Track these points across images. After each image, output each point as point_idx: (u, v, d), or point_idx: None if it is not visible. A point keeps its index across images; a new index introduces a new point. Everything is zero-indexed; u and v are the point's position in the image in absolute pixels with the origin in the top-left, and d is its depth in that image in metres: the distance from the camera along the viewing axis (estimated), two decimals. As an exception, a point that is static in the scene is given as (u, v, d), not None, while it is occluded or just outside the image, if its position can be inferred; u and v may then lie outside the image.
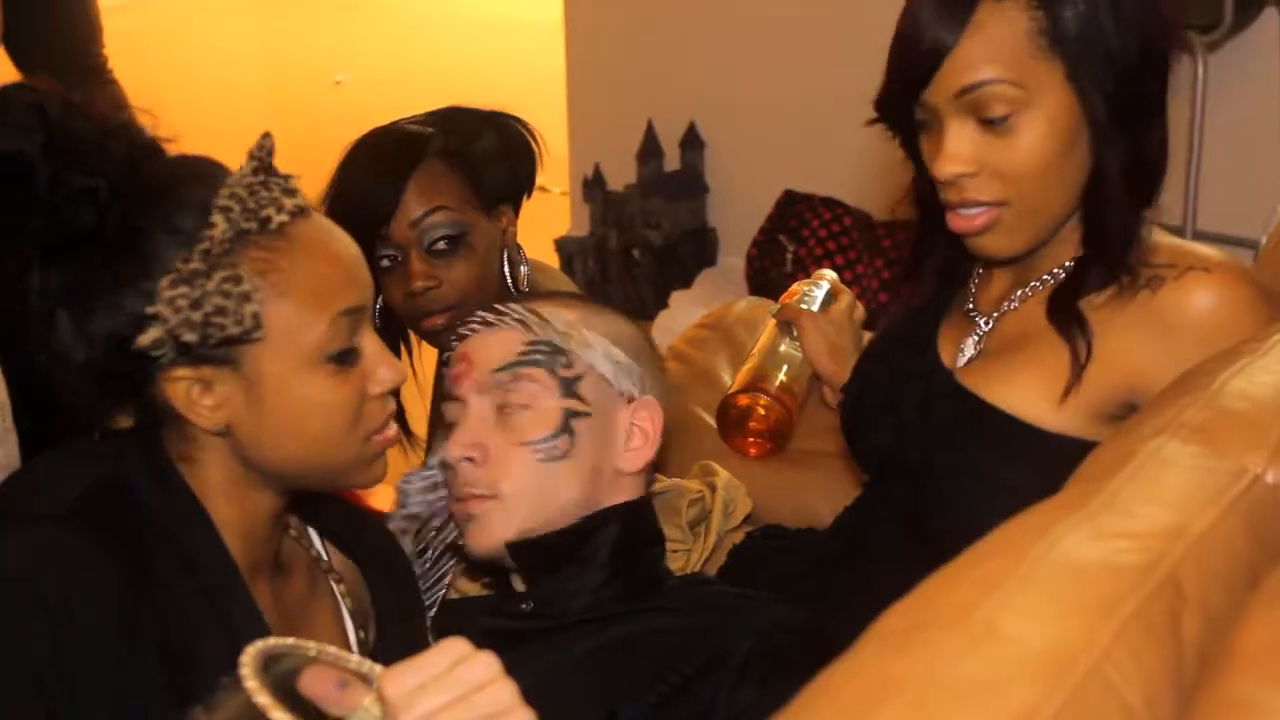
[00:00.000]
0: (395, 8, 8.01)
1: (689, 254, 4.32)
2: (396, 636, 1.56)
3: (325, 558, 1.58)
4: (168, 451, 1.41)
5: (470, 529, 1.54)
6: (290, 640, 1.02)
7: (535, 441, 1.51)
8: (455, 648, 1.04)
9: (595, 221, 4.44)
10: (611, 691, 1.40)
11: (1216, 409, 1.15)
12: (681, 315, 3.69)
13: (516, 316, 1.56)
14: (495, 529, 1.52)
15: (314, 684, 0.99)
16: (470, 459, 1.53)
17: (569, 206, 4.63)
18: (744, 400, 2.19)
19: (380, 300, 2.08)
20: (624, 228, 4.36)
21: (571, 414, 1.51)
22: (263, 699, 0.93)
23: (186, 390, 1.35)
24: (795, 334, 2.16)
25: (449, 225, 2.03)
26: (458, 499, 1.56)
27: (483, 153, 2.09)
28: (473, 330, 1.59)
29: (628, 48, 4.41)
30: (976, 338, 1.74)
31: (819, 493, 2.18)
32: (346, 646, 1.52)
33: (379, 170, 2.05)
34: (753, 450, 2.22)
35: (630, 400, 1.54)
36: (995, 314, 1.74)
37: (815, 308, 2.18)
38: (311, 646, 1.03)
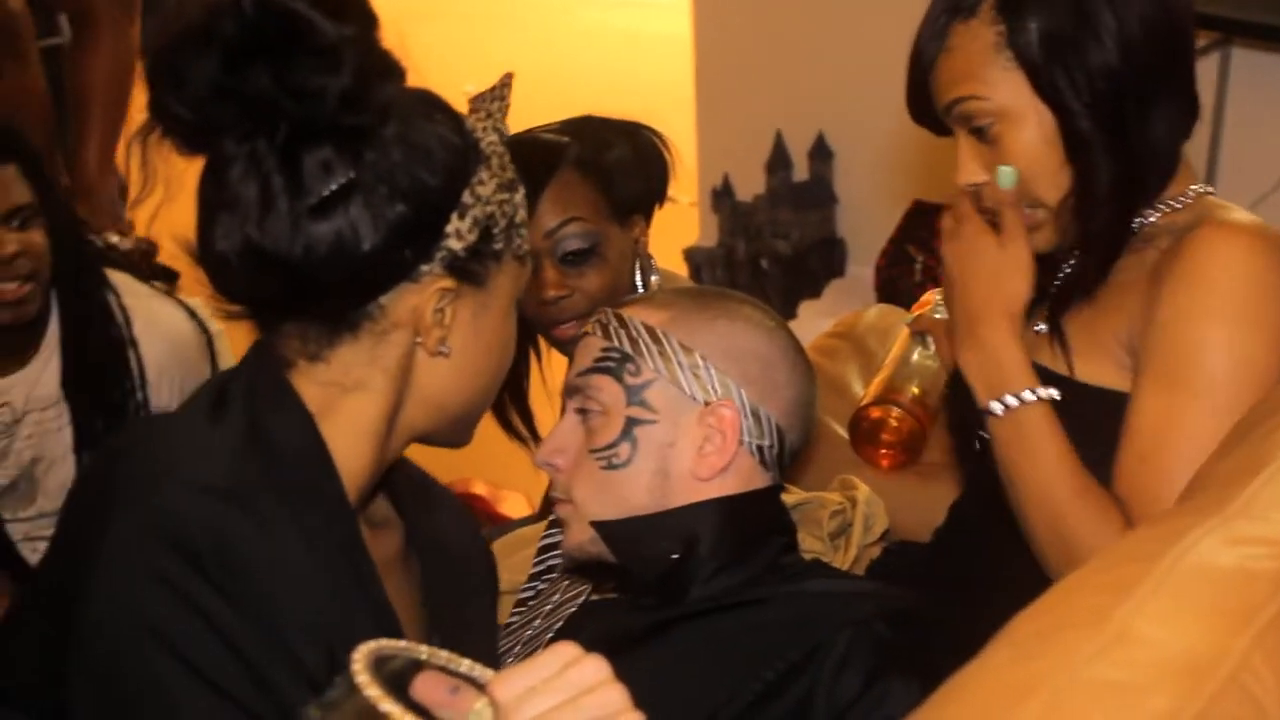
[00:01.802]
0: (526, 19, 8.07)
1: (817, 264, 4.31)
2: (445, 620, 1.54)
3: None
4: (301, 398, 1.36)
5: (563, 533, 1.57)
6: (402, 642, 1.03)
7: (598, 450, 1.52)
8: (565, 651, 1.03)
9: (724, 232, 4.45)
10: (711, 692, 1.40)
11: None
12: (810, 326, 3.69)
13: (602, 320, 1.58)
14: (575, 533, 1.54)
15: (427, 689, 1.00)
16: (553, 464, 1.56)
17: (697, 217, 4.64)
18: (876, 412, 2.18)
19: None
20: (752, 238, 4.36)
21: (634, 421, 1.50)
22: (379, 697, 0.93)
23: (436, 301, 1.33)
24: (929, 344, 2.15)
25: (582, 236, 2.05)
26: (556, 502, 1.59)
27: (617, 162, 2.10)
28: (581, 335, 1.61)
29: (756, 59, 4.41)
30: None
31: (948, 506, 2.18)
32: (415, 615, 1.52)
33: None
34: (885, 462, 2.21)
35: (707, 404, 1.50)
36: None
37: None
38: (423, 650, 1.03)
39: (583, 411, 1.54)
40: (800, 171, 4.34)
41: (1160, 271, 1.60)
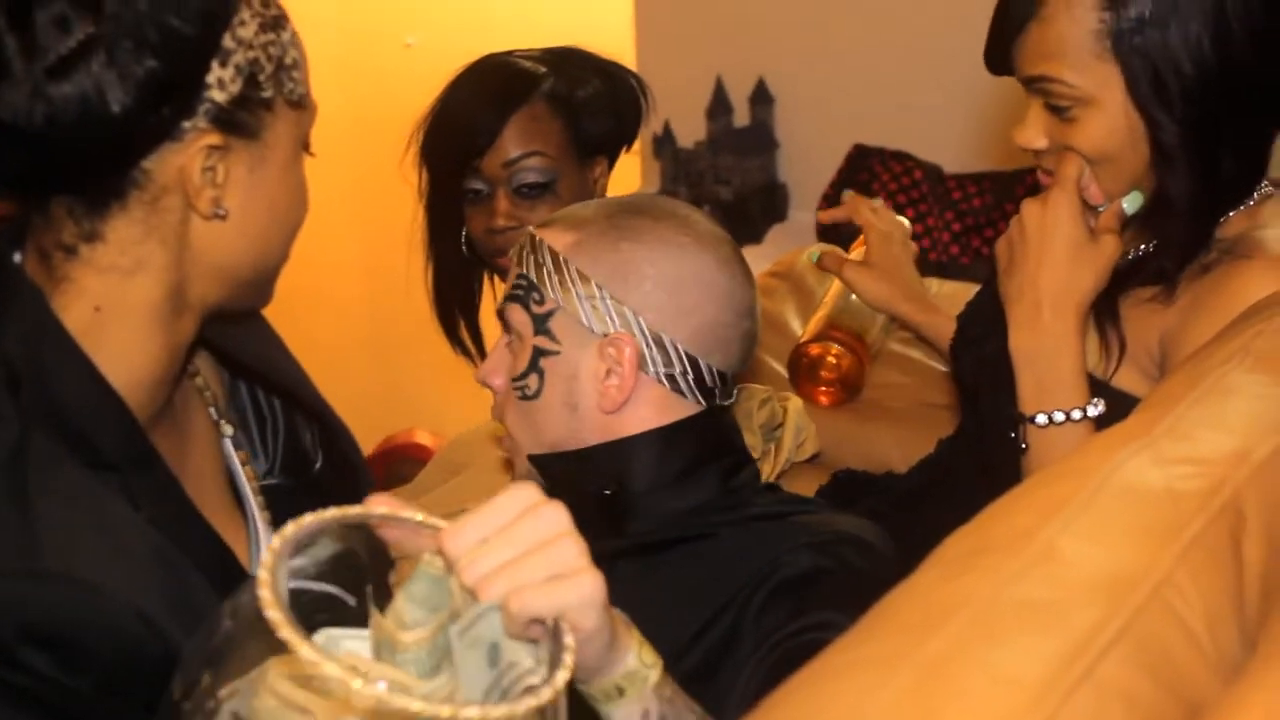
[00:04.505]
0: (465, -30, 8.03)
1: (759, 210, 4.30)
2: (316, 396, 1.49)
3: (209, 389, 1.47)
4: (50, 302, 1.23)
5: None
6: (329, 512, 0.95)
7: (515, 380, 1.49)
8: (522, 495, 0.98)
9: (665, 179, 4.44)
10: (654, 628, 1.37)
11: (1283, 339, 1.15)
12: (753, 270, 3.69)
13: (520, 242, 1.52)
14: (517, 467, 1.53)
15: (389, 531, 0.96)
16: (488, 384, 1.54)
17: (639, 164, 4.63)
18: (816, 349, 2.19)
19: (465, 230, 2.11)
20: (694, 184, 4.35)
21: (540, 352, 1.46)
22: (279, 621, 0.85)
23: (204, 161, 1.20)
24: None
25: (541, 171, 2.03)
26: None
27: (588, 101, 2.09)
28: None
29: (696, 4, 4.39)
30: None
31: (891, 441, 2.19)
32: (218, 449, 1.44)
33: (483, 102, 2.05)
34: (824, 399, 2.22)
35: (605, 335, 1.43)
36: None
37: None
38: (354, 511, 0.96)
39: (508, 337, 1.52)
40: (741, 117, 4.33)
41: (1200, 297, 1.56)
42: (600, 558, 1.18)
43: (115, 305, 1.23)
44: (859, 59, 4.04)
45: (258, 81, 1.21)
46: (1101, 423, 1.57)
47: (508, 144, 2.03)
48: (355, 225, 5.57)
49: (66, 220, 1.21)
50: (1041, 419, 1.59)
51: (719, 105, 4.32)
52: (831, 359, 2.18)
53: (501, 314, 1.51)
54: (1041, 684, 0.76)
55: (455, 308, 2.23)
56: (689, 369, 1.45)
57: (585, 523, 1.49)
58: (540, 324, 1.46)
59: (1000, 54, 1.64)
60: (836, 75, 4.12)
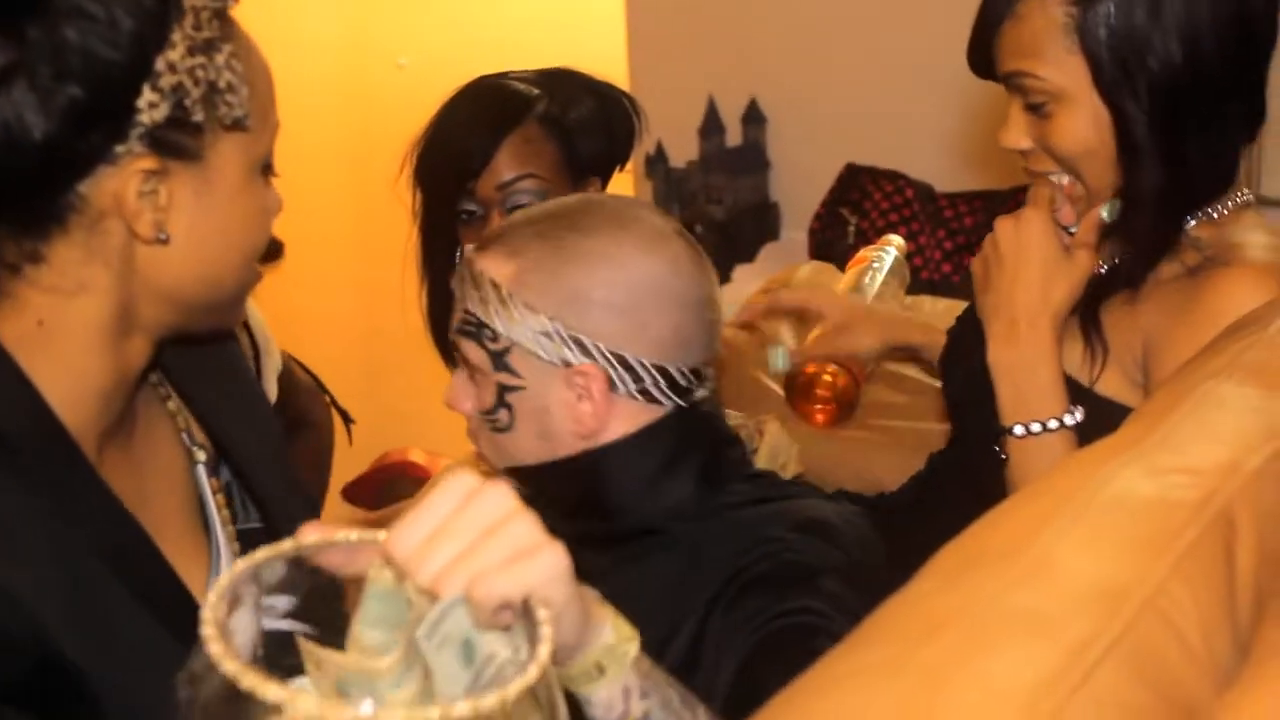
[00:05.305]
0: (459, -9, 8.05)
1: (751, 229, 4.32)
2: (269, 475, 1.44)
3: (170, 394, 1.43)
4: None
5: None
6: (260, 553, 0.90)
7: (484, 413, 1.46)
8: (459, 484, 0.94)
9: (658, 198, 4.45)
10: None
11: (1272, 351, 1.16)
12: (745, 289, 3.69)
13: (460, 274, 1.47)
14: (495, 473, 1.49)
15: (330, 558, 0.92)
16: (456, 409, 1.51)
17: (632, 183, 4.64)
18: (811, 368, 2.19)
19: (460, 251, 2.11)
20: (686, 204, 4.37)
21: (505, 388, 1.44)
22: (237, 671, 0.80)
23: (140, 185, 1.16)
24: (865, 300, 2.15)
25: (534, 193, 2.02)
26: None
27: (582, 122, 2.08)
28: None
29: (688, 25, 4.41)
30: None
31: (885, 461, 2.19)
32: (188, 476, 1.40)
33: (477, 125, 2.04)
34: (819, 418, 2.22)
35: (568, 365, 1.40)
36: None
37: (884, 273, 2.18)
38: (287, 545, 0.92)
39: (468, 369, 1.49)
40: (733, 137, 4.35)
41: (1181, 306, 1.58)
42: (575, 557, 1.17)
43: (58, 322, 1.21)
44: (851, 79, 4.06)
45: (184, 106, 1.16)
46: (1087, 430, 1.59)
47: (501, 167, 2.03)
48: (349, 243, 5.58)
49: (8, 241, 1.18)
50: (1019, 430, 1.62)
51: (711, 125, 4.34)
52: (827, 377, 2.18)
53: (455, 347, 1.48)
54: (1037, 692, 0.77)
55: (449, 327, 2.24)
56: (659, 378, 1.43)
57: (564, 526, 1.49)
58: (498, 360, 1.43)
59: (981, 54, 1.68)
60: (828, 95, 4.14)
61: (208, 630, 0.83)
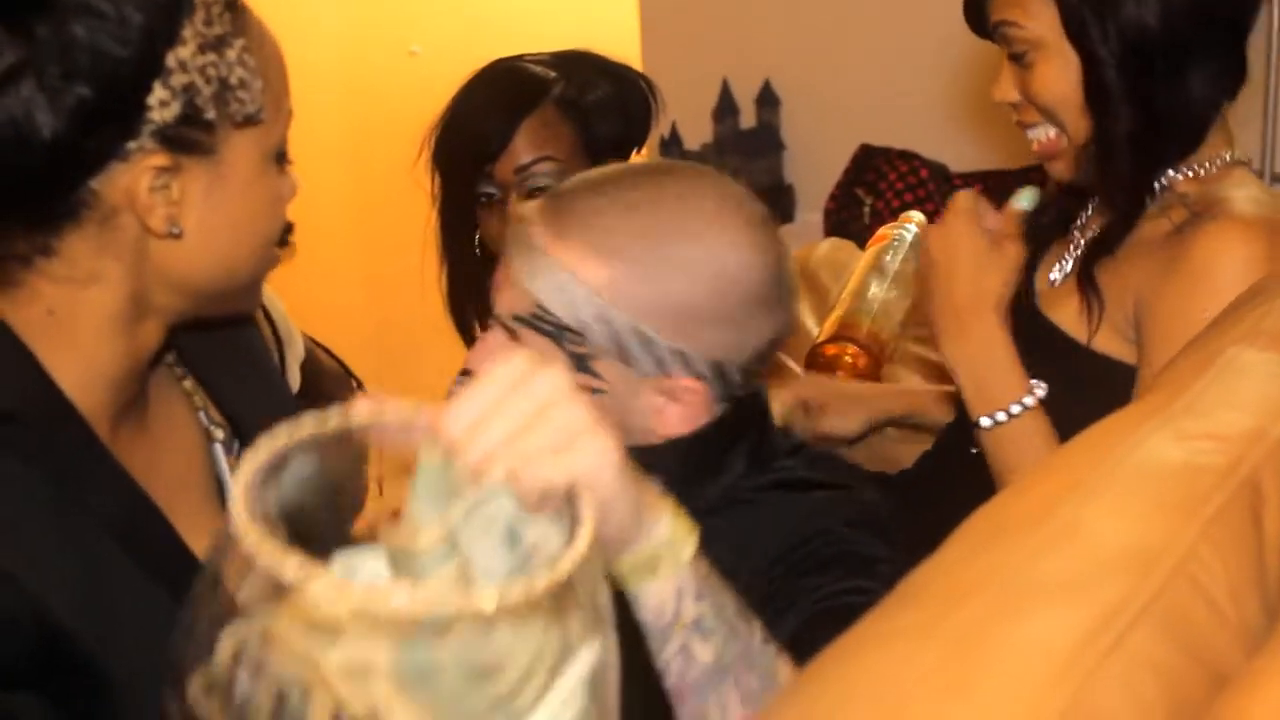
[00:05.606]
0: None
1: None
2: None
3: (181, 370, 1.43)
4: None
5: None
6: (306, 424, 0.86)
7: None
8: (511, 367, 0.92)
9: (672, 181, 4.45)
10: None
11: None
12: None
13: (532, 268, 1.34)
14: None
15: (376, 436, 0.89)
16: None
17: (646, 167, 4.63)
18: (832, 349, 2.19)
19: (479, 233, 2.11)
20: (701, 187, 4.36)
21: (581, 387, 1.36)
22: (259, 547, 0.78)
23: (152, 181, 1.17)
24: (885, 279, 2.16)
25: (552, 175, 2.03)
26: None
27: (598, 104, 2.10)
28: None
29: (701, 7, 4.41)
30: (1065, 260, 1.78)
31: (900, 439, 2.20)
32: (205, 455, 1.40)
33: (494, 109, 2.05)
34: (840, 398, 2.23)
35: (660, 377, 1.32)
36: (1084, 240, 1.77)
37: (904, 250, 2.18)
38: (341, 420, 0.88)
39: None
40: (747, 119, 4.34)
41: (1169, 262, 1.61)
42: None
43: (69, 311, 1.21)
44: (864, 60, 4.05)
45: (196, 104, 1.17)
46: (1087, 387, 1.63)
47: (519, 150, 2.04)
48: (359, 231, 5.58)
49: (19, 235, 1.20)
50: (986, 421, 1.65)
51: (725, 107, 4.33)
52: (848, 359, 2.18)
53: (512, 330, 1.36)
54: (1070, 654, 0.77)
55: (469, 309, 2.25)
56: (745, 379, 1.38)
57: None
58: (581, 364, 1.31)
59: (975, 9, 1.74)
60: (842, 76, 4.13)
61: (238, 509, 0.80)
